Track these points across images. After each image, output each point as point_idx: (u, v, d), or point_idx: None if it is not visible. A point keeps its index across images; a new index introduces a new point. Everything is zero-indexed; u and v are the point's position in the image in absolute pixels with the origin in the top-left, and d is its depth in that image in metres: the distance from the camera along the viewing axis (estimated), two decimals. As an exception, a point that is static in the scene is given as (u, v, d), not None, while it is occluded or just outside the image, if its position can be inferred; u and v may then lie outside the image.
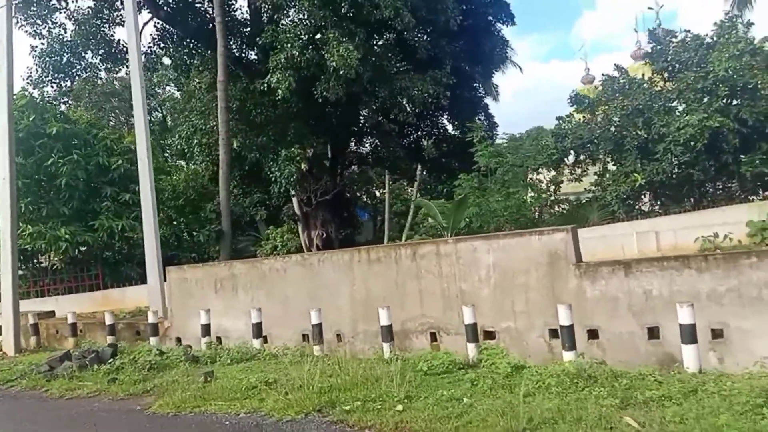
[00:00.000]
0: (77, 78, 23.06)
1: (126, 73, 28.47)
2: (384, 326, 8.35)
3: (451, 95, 23.52)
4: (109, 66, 23.78)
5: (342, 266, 10.30)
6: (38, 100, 18.70)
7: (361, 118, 25.57)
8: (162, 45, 24.16)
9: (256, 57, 23.69)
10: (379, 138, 26.62)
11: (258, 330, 9.89)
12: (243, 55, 24.15)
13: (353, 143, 28.33)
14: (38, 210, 17.01)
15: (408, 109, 24.15)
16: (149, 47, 24.33)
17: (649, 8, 46.22)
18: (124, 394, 7.67)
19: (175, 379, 7.89)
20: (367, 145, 29.47)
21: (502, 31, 28.04)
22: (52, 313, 15.14)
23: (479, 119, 29.17)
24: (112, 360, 9.30)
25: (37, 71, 21.74)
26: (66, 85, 22.38)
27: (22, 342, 12.40)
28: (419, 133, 29.45)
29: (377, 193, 37.66)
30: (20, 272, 18.48)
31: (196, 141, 20.29)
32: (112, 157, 18.58)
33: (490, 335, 8.57)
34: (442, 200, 23.76)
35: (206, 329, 10.46)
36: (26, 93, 18.62)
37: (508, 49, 29.82)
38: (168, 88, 39.60)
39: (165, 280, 14.68)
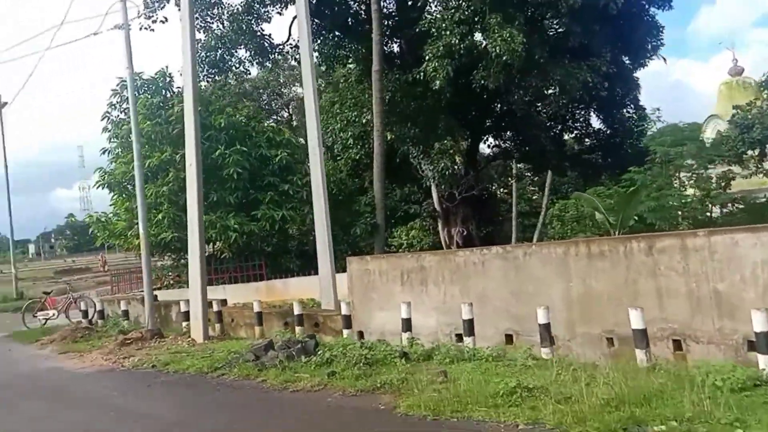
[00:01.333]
0: (229, 73, 23.48)
1: (260, 70, 28.87)
2: (637, 330, 7.34)
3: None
4: (258, 60, 24.05)
5: (554, 261, 9.38)
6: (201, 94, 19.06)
7: (502, 109, 24.46)
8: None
9: (400, 48, 23.28)
10: (524, 131, 25.38)
11: (470, 327, 9.17)
12: (389, 47, 23.80)
13: (493, 136, 27.32)
14: (207, 199, 17.29)
15: (561, 100, 22.88)
16: (296, 41, 24.38)
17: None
18: (353, 390, 7.17)
19: (403, 377, 7.31)
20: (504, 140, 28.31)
21: (656, 17, 25.83)
22: (224, 302, 15.31)
23: (627, 112, 27.25)
24: (319, 352, 8.91)
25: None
26: (219, 80, 22.86)
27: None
28: (561, 126, 27.96)
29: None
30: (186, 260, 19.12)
31: (350, 134, 20.06)
32: (272, 149, 18.71)
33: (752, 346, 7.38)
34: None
35: (407, 324, 9.89)
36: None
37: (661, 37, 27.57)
38: (294, 87, 40.30)
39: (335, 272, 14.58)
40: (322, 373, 7.97)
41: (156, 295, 16.58)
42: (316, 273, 19.52)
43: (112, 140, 19.17)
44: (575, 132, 28.49)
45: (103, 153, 19.20)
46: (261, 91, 40.38)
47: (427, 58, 17.67)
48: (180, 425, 6.73)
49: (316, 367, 8.42)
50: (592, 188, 44.38)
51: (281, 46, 23.46)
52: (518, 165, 29.10)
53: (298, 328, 11.63)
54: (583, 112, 27.32)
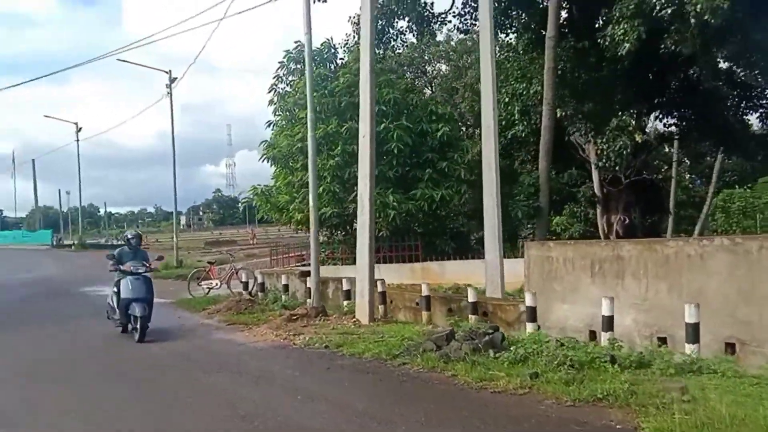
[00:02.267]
0: (389, 46, 22.81)
1: (419, 42, 27.92)
2: None
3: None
4: (420, 31, 23.14)
5: (804, 257, 7.70)
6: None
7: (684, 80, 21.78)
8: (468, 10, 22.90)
9: (570, 14, 21.36)
10: (706, 107, 22.54)
11: (694, 333, 7.74)
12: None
13: (666, 113, 24.61)
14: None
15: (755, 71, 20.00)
16: (459, 9, 23.23)
17: None
18: (568, 398, 6.09)
19: (627, 387, 6.12)
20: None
21: None
22: (381, 282, 14.75)
23: None
24: (511, 347, 7.90)
25: (354, 38, 21.92)
26: (379, 53, 22.25)
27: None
28: (746, 102, 24.60)
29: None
30: (341, 237, 18.87)
31: (517, 107, 18.72)
32: (432, 123, 17.86)
33: None
34: None
35: (608, 323, 8.60)
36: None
37: None
38: (438, 64, 39.10)
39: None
40: (521, 373, 6.95)
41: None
42: (473, 257, 18.74)
43: (277, 113, 19.23)
44: (760, 110, 25.06)
45: (268, 126, 19.31)
46: (405, 68, 39.87)
47: (615, 18, 15.84)
48: (372, 417, 6.01)
49: (509, 364, 7.42)
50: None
51: (443, 15, 22.38)
52: (695, 146, 26.17)
53: (472, 317, 10.68)
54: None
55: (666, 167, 31.67)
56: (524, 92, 18.79)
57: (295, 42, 19.49)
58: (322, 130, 16.97)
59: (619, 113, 18.06)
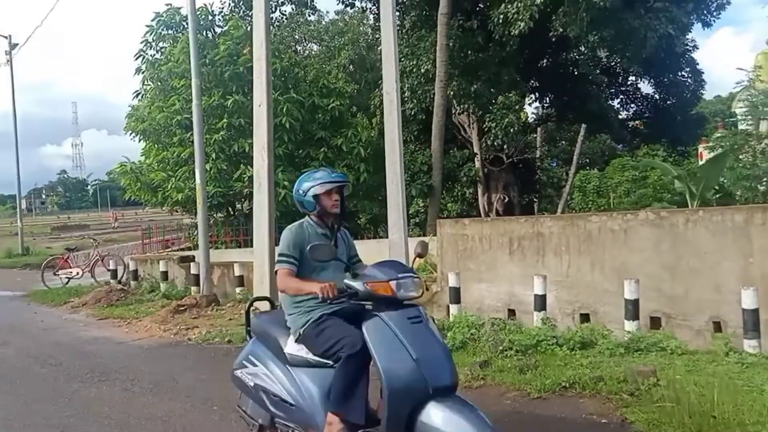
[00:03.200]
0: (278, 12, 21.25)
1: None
2: None
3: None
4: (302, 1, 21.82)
5: (729, 231, 7.65)
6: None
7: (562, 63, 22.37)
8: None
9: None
10: (581, 90, 23.34)
11: (635, 310, 7.43)
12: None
13: (544, 94, 25.26)
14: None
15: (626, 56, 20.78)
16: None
17: None
18: (535, 391, 5.40)
19: (589, 373, 5.60)
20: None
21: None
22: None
23: (682, 75, 25.13)
24: (446, 332, 7.20)
25: (231, 5, 20.23)
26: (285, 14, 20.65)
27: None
28: (613, 88, 25.88)
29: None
30: (223, 218, 17.32)
31: (407, 85, 18.06)
32: (324, 98, 16.76)
33: None
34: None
35: (541, 301, 8.12)
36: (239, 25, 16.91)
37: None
38: (309, 44, 37.86)
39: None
40: (468, 363, 6.25)
41: (193, 256, 14.91)
42: (362, 237, 18.02)
43: (146, 82, 17.13)
44: (620, 96, 26.48)
45: (136, 96, 17.17)
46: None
47: (508, -2, 15.64)
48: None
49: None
50: (617, 159, 42.39)
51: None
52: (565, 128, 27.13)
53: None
54: (632, 73, 25.18)
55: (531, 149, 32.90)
56: (414, 70, 18.18)
57: (166, 5, 17.54)
58: (204, 102, 15.30)
59: (506, 93, 18.01)
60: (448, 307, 10.00)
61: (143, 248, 17.59)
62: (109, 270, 14.89)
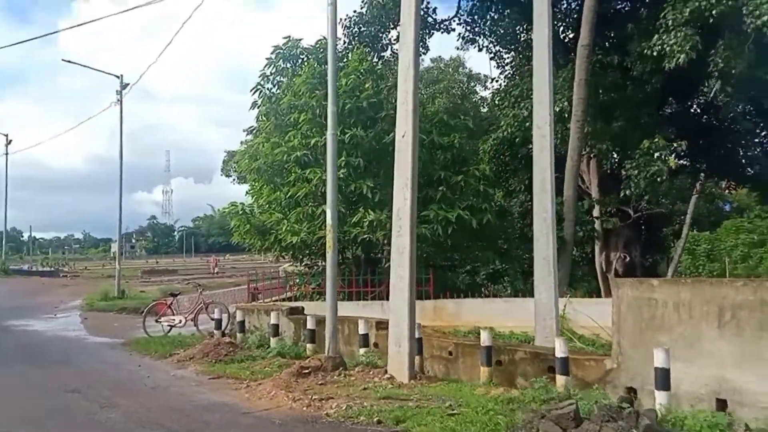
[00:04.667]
0: (381, 55, 20.31)
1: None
2: None
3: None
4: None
5: None
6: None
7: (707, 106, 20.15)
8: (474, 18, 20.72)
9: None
10: (720, 137, 20.96)
11: None
12: (564, 31, 20.08)
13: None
14: (376, 192, 14.04)
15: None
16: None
17: None
18: None
19: None
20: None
21: None
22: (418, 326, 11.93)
23: None
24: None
25: (344, 42, 19.36)
26: (373, 60, 19.73)
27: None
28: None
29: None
30: (341, 266, 15.91)
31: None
32: (444, 136, 15.32)
33: None
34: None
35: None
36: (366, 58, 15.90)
37: None
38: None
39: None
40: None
41: (302, 307, 13.49)
42: (484, 295, 16.21)
43: (260, 118, 16.27)
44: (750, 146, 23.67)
45: (250, 133, 16.31)
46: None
47: (666, 26, 13.90)
48: None
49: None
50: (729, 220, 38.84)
51: (446, 22, 20.14)
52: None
53: (561, 378, 7.95)
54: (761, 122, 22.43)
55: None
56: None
57: (284, 38, 16.78)
58: (320, 139, 14.18)
59: (655, 136, 16.01)
60: (629, 390, 8.03)
61: (249, 297, 16.41)
62: (213, 319, 13.66)
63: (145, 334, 13.72)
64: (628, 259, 21.71)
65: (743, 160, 21.59)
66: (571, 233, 15.81)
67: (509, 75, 22.00)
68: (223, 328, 13.39)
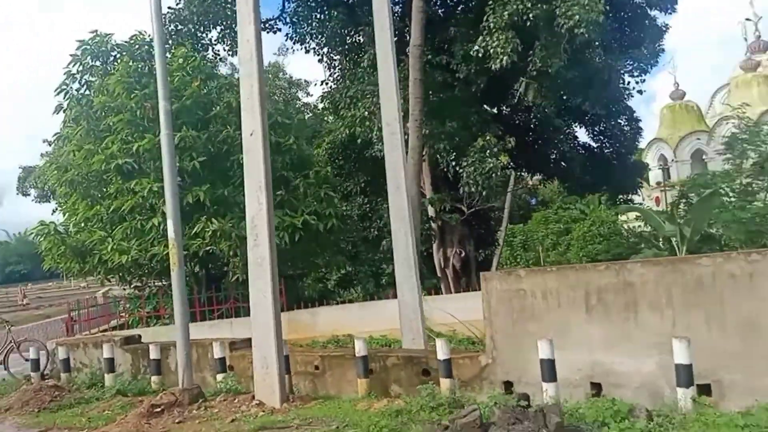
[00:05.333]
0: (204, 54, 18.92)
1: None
2: None
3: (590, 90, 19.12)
4: (226, 46, 19.72)
5: None
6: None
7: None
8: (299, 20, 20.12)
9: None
10: (540, 134, 22.40)
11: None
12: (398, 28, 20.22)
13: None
14: (215, 199, 12.83)
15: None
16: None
17: (747, 19, 42.30)
18: None
19: None
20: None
21: (657, 19, 23.37)
22: (248, 342, 10.95)
23: (620, 122, 24.91)
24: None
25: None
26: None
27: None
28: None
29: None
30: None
31: (378, 125, 16.23)
32: (280, 137, 14.57)
33: None
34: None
35: (686, 373, 6.18)
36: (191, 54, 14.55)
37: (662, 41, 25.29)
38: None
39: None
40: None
41: (139, 335, 11.99)
42: (334, 302, 15.65)
43: (68, 123, 14.19)
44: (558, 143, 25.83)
45: (53, 143, 14.19)
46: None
47: (488, 29, 14.41)
48: None
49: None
50: (539, 212, 42.43)
51: (271, 21, 19.30)
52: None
53: (445, 381, 7.60)
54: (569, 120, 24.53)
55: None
56: (377, 112, 16.46)
57: (91, 32, 14.86)
58: (148, 141, 12.65)
59: (482, 135, 16.59)
60: (506, 384, 7.97)
61: (69, 330, 14.19)
62: (27, 360, 11.61)
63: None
64: (463, 254, 22.38)
65: (553, 156, 23.26)
66: (418, 233, 15.82)
67: (338, 77, 21.73)
68: (42, 369, 11.43)
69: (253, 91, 8.46)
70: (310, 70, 75.48)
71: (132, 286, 15.89)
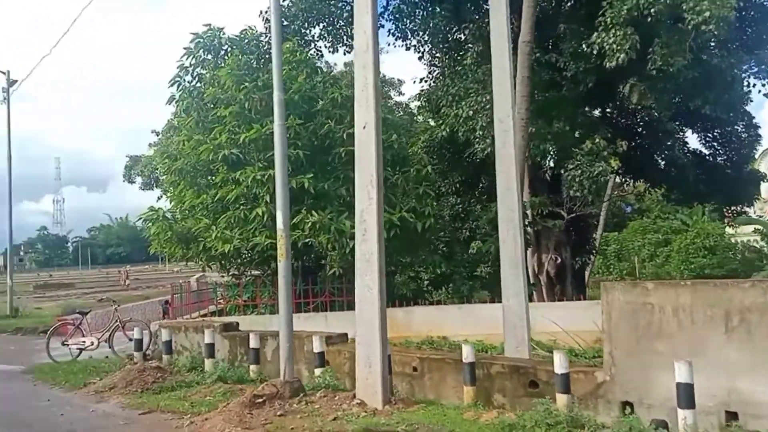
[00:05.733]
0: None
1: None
2: None
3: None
4: (337, 38, 19.76)
5: None
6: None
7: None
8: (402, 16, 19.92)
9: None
10: (649, 141, 21.11)
11: None
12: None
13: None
14: (316, 192, 12.79)
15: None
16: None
17: None
18: None
19: None
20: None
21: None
22: (343, 337, 10.77)
23: (737, 128, 22.94)
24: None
25: (266, 35, 17.99)
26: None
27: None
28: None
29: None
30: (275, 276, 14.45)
31: (480, 123, 15.74)
32: (384, 133, 14.36)
33: None
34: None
35: None
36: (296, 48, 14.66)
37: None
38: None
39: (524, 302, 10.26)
40: None
41: (237, 323, 12.05)
42: (426, 302, 15.30)
43: (179, 114, 14.59)
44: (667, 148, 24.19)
45: (167, 129, 14.60)
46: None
47: (605, 24, 13.64)
48: None
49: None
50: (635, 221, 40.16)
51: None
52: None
53: (562, 397, 7.06)
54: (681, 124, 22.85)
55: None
56: (484, 107, 15.91)
57: (205, 25, 15.23)
58: (255, 132, 12.73)
59: (592, 137, 15.74)
60: (623, 404, 7.31)
61: (171, 313, 14.62)
62: (131, 339, 11.95)
63: (49, 360, 11.81)
64: (559, 260, 21.53)
65: (661, 162, 21.88)
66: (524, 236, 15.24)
67: (438, 75, 21.37)
68: (144, 349, 11.73)
69: (367, 82, 8.22)
70: (402, 69, 75.62)
71: (230, 273, 16.14)
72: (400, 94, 36.97)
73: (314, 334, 9.55)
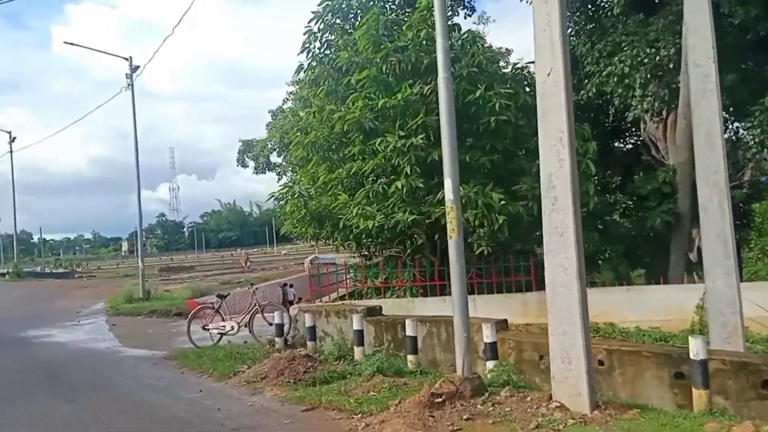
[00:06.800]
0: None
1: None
2: None
3: None
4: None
5: None
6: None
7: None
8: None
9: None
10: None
11: None
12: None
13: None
14: (459, 162, 11.52)
15: None
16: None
17: None
18: None
19: None
20: None
21: None
22: (503, 324, 9.51)
23: None
24: None
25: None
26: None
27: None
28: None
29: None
30: (416, 255, 13.34)
31: (639, 81, 13.86)
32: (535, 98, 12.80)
33: None
34: None
35: None
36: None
37: None
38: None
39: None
40: None
41: (379, 306, 11.09)
42: (599, 283, 13.75)
43: (307, 85, 13.76)
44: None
45: (297, 102, 13.81)
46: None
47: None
48: None
49: None
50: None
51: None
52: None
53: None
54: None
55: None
56: (649, 59, 13.94)
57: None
58: (401, 96, 11.60)
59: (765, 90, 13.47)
60: None
61: (311, 296, 13.95)
62: (271, 324, 11.30)
63: (191, 345, 11.35)
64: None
65: None
66: (687, 207, 13.34)
67: (573, 33, 19.40)
68: (285, 334, 11.03)
69: (551, 21, 6.80)
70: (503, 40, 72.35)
71: (360, 254, 15.28)
72: (508, 64, 34.83)
73: (484, 321, 8.35)
